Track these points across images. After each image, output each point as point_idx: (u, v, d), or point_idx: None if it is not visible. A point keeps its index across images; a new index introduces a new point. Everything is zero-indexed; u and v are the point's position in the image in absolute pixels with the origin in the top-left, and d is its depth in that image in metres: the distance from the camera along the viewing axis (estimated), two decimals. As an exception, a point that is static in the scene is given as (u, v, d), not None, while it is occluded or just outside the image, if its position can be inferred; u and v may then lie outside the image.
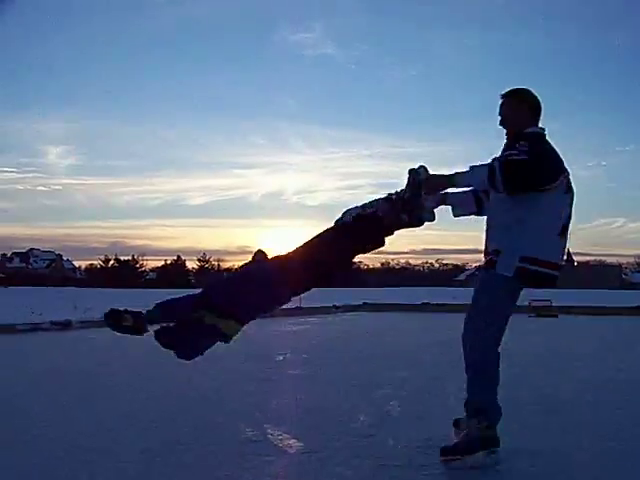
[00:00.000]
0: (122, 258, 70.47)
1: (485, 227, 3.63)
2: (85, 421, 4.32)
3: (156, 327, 3.25)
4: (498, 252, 3.42)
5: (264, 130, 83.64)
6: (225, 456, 3.47)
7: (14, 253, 73.57)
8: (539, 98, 3.57)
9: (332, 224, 3.63)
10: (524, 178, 3.27)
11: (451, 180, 3.52)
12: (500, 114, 3.58)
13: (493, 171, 3.28)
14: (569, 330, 12.84)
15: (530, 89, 3.61)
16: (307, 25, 76.79)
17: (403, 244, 59.17)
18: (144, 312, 3.39)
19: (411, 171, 3.59)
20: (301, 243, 3.59)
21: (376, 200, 3.66)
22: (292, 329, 12.68)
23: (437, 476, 3.20)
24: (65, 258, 75.30)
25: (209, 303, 3.26)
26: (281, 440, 3.81)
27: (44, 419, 4.36)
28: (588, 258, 68.07)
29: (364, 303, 17.88)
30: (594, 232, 75.48)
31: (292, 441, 3.79)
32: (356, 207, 3.64)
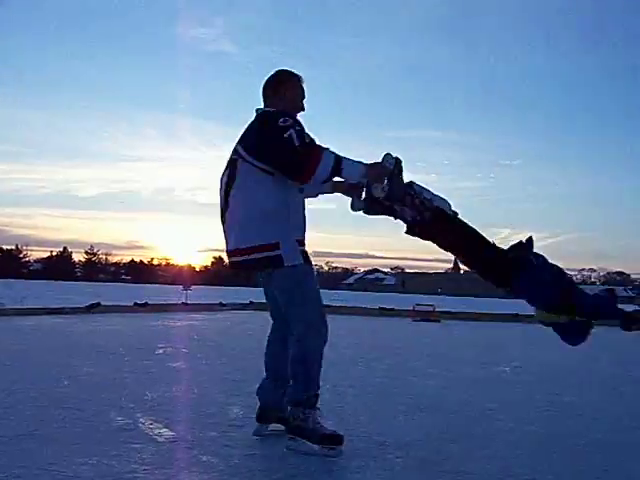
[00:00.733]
0: (4, 247, 66.94)
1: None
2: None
3: None
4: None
5: (158, 124, 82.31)
6: (93, 444, 3.41)
7: None
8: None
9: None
10: None
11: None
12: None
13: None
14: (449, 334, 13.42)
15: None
16: (207, 21, 76.09)
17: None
18: None
19: (397, 159, 3.48)
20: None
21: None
22: (177, 324, 12.65)
23: (307, 464, 3.28)
24: (-61, 244, 70.73)
25: None
26: (152, 429, 3.79)
27: None
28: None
29: (251, 302, 17.91)
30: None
31: (163, 430, 3.78)
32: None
